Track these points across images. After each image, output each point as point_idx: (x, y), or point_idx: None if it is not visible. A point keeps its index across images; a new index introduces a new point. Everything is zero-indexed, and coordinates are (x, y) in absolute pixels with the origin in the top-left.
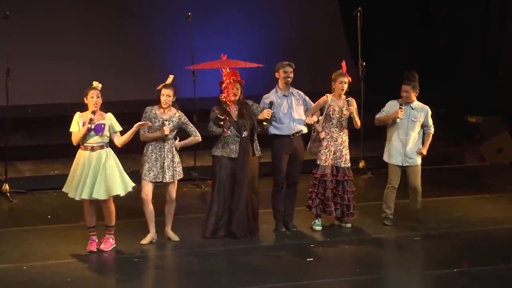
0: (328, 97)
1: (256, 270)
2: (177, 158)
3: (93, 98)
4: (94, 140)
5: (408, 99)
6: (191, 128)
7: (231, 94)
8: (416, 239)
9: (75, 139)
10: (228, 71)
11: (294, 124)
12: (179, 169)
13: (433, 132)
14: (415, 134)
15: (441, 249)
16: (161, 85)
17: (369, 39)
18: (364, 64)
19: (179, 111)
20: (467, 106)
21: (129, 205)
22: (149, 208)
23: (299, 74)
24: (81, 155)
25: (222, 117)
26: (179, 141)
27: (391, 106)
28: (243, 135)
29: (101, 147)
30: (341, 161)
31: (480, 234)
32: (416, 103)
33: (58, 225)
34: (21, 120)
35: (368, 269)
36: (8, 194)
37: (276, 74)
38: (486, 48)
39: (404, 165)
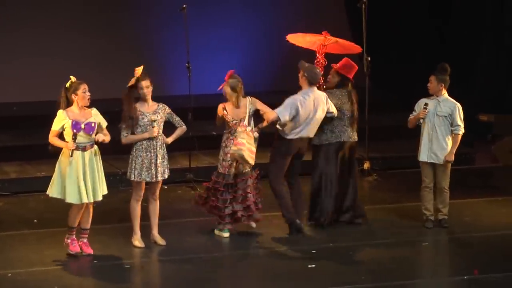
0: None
1: (252, 278)
2: (166, 156)
3: (85, 93)
4: (85, 139)
5: (431, 90)
6: (176, 118)
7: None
8: (424, 245)
9: (54, 141)
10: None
11: None
12: (168, 167)
13: (461, 133)
14: (444, 130)
15: (451, 255)
16: (133, 80)
17: (375, 32)
18: (369, 59)
19: (160, 103)
20: (479, 104)
21: (118, 209)
22: (139, 209)
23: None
24: (73, 156)
25: None
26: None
27: (419, 105)
28: None
29: (92, 145)
30: None
31: (492, 239)
32: (445, 97)
33: (45, 230)
34: (6, 118)
35: (373, 276)
36: None
37: None
38: (500, 44)
39: (429, 161)
